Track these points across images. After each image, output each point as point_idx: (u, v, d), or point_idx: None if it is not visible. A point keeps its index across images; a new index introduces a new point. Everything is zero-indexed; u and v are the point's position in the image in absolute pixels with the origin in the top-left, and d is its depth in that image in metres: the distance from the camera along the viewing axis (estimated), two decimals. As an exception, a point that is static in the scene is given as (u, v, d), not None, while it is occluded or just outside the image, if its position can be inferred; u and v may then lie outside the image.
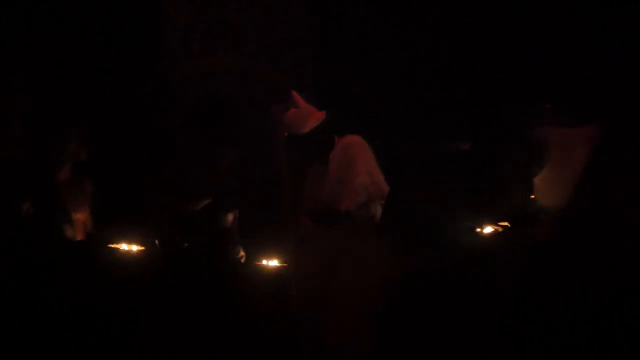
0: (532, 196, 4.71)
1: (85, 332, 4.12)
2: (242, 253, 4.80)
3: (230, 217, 4.83)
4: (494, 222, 4.66)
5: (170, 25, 5.97)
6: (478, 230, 4.74)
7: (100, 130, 4.99)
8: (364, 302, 4.15)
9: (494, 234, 4.66)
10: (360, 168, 4.28)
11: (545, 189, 4.70)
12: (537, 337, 4.03)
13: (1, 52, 5.03)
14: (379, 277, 4.18)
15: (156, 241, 4.65)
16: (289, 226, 4.39)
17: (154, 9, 5.94)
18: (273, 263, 4.57)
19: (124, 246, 4.57)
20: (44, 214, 4.44)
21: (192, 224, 4.70)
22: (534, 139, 4.64)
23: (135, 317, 4.25)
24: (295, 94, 4.36)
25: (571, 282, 4.07)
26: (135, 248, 4.57)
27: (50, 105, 4.74)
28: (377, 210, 4.31)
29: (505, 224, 4.68)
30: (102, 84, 5.58)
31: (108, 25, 5.74)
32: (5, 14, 5.25)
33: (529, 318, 4.07)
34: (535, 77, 5.13)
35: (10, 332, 4.06)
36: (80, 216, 4.66)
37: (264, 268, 4.59)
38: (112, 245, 4.56)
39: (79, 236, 4.63)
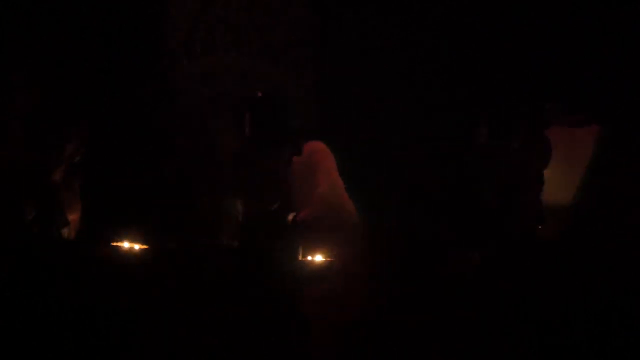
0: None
1: (87, 332, 4.11)
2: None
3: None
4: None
5: (171, 25, 5.97)
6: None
7: (100, 130, 4.99)
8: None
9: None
10: (321, 178, 4.24)
11: (549, 188, 4.69)
12: (537, 337, 4.04)
13: (1, 52, 5.02)
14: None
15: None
16: None
17: (154, 9, 5.94)
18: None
19: (126, 244, 4.55)
20: (43, 214, 4.44)
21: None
22: (537, 139, 4.62)
23: (143, 316, 4.24)
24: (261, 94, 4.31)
25: (573, 281, 4.07)
26: (137, 247, 4.56)
27: (50, 105, 4.73)
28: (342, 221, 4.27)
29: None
30: (102, 84, 5.58)
31: (108, 25, 5.74)
32: (5, 13, 5.25)
33: (529, 318, 4.08)
34: (536, 77, 5.12)
35: (9, 333, 4.05)
36: (74, 217, 4.66)
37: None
38: (115, 244, 4.55)
39: (73, 236, 4.63)
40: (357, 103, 5.71)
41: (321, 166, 4.23)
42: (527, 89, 5.01)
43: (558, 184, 4.60)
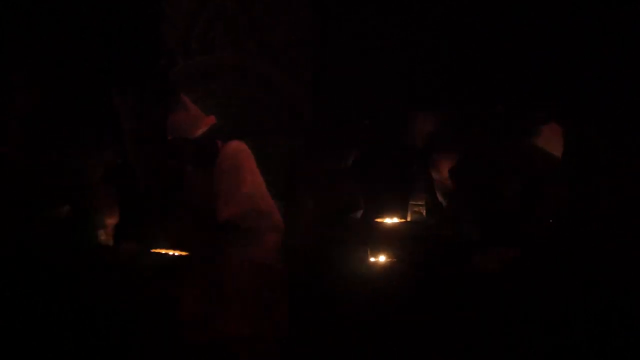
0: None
1: (124, 336, 4.12)
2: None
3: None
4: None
5: (169, 24, 5.97)
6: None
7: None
8: None
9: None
10: (247, 177, 4.26)
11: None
12: (536, 337, 4.05)
13: (1, 52, 5.01)
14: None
15: None
16: None
17: (153, 9, 5.94)
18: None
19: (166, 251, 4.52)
20: (78, 216, 4.43)
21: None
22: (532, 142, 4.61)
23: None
24: (184, 96, 4.32)
25: (571, 282, 4.08)
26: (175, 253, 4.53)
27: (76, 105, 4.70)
28: (267, 223, 4.27)
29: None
30: (102, 84, 5.58)
31: (107, 25, 5.74)
32: (5, 13, 5.24)
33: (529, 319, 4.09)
34: (534, 79, 5.12)
35: (39, 336, 4.05)
36: (111, 221, 4.64)
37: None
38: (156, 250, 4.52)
39: (111, 241, 4.62)
40: (357, 103, 5.72)
41: (247, 166, 4.27)
42: (526, 90, 5.01)
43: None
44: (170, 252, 4.22)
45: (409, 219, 4.87)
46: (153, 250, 4.20)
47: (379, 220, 4.87)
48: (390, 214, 4.90)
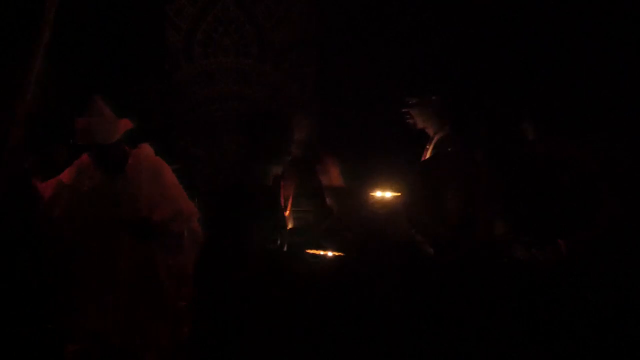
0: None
1: None
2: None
3: None
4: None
5: (172, 27, 5.98)
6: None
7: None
8: None
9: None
10: (169, 179, 4.26)
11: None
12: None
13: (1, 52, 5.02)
14: None
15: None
16: None
17: (156, 11, 5.95)
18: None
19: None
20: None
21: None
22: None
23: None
24: (99, 101, 4.25)
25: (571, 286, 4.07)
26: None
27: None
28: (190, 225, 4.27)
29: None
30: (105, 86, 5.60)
31: (110, 27, 5.75)
32: (6, 14, 5.25)
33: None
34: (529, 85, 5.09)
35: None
36: None
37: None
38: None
39: None
40: (359, 104, 5.72)
41: (165, 169, 4.27)
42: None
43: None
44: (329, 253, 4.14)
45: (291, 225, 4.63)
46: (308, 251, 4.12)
47: None
48: None
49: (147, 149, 4.34)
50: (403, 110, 4.65)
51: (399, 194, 4.42)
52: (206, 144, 5.95)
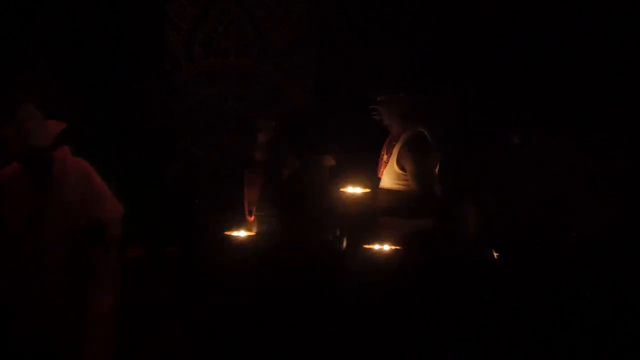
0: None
1: None
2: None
3: None
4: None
5: (172, 27, 5.98)
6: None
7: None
8: None
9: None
10: (97, 180, 4.24)
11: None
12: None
13: (3, 52, 5.03)
14: None
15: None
16: None
17: (156, 11, 5.95)
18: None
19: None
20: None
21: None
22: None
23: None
24: (30, 105, 4.15)
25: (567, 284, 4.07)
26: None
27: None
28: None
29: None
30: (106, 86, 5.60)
31: (110, 27, 5.75)
32: (6, 14, 5.26)
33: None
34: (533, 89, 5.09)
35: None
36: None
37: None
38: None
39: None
40: (359, 105, 5.70)
41: (92, 170, 4.26)
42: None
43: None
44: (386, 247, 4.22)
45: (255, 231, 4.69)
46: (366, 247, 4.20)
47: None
48: None
49: (67, 151, 4.27)
50: (370, 106, 4.69)
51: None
52: (206, 144, 5.95)
